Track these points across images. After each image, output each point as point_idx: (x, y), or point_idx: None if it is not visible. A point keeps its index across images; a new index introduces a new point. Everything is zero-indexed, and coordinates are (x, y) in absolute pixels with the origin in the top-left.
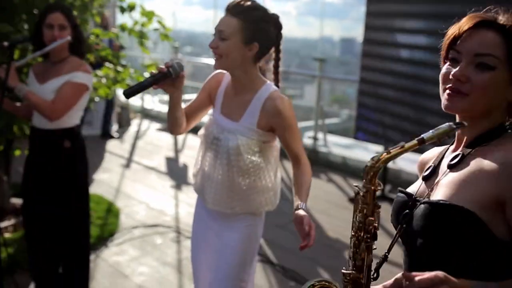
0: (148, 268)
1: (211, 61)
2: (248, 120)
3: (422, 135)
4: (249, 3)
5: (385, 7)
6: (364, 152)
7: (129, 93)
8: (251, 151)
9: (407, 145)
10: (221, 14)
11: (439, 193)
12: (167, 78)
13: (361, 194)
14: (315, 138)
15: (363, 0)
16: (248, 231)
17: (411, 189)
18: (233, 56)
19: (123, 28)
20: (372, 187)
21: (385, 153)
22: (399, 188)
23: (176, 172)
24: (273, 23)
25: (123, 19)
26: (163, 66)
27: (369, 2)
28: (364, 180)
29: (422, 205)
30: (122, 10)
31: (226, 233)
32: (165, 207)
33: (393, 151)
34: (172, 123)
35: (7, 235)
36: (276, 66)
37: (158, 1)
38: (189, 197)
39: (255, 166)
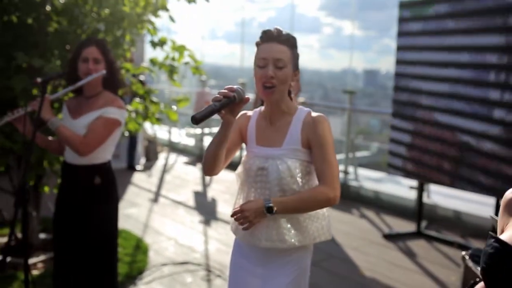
0: None
1: None
2: (291, 142)
3: None
4: (286, 31)
5: (415, 40)
6: (397, 186)
7: (198, 119)
8: (302, 173)
9: None
10: (248, 47)
11: None
12: (230, 103)
13: None
14: (345, 172)
15: (385, 32)
16: (299, 271)
17: (507, 237)
18: (287, 83)
19: (153, 62)
20: None
21: None
22: (494, 235)
23: (204, 207)
24: None
25: (152, 53)
26: (225, 91)
27: (399, 36)
28: None
29: None
30: (154, 45)
31: (275, 278)
32: (194, 243)
33: None
34: (214, 159)
35: (35, 272)
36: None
37: (185, 36)
38: (218, 233)
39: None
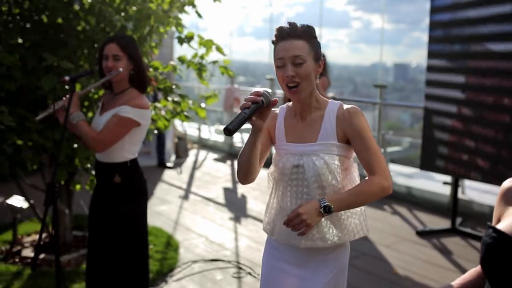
0: None
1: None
2: (326, 136)
3: None
4: (299, 24)
5: (448, 32)
6: (430, 182)
7: (232, 130)
8: (340, 168)
9: None
10: None
11: None
12: (258, 109)
13: None
14: None
15: (416, 25)
16: (337, 269)
17: (504, 227)
18: (311, 77)
19: (181, 60)
20: None
21: None
22: (492, 226)
23: (234, 203)
24: None
25: (182, 51)
26: (252, 96)
27: (431, 27)
28: None
29: None
30: (181, 41)
31: (313, 278)
32: (224, 240)
33: None
34: (249, 167)
35: (68, 268)
36: None
37: (213, 33)
38: (249, 230)
39: (347, 185)
